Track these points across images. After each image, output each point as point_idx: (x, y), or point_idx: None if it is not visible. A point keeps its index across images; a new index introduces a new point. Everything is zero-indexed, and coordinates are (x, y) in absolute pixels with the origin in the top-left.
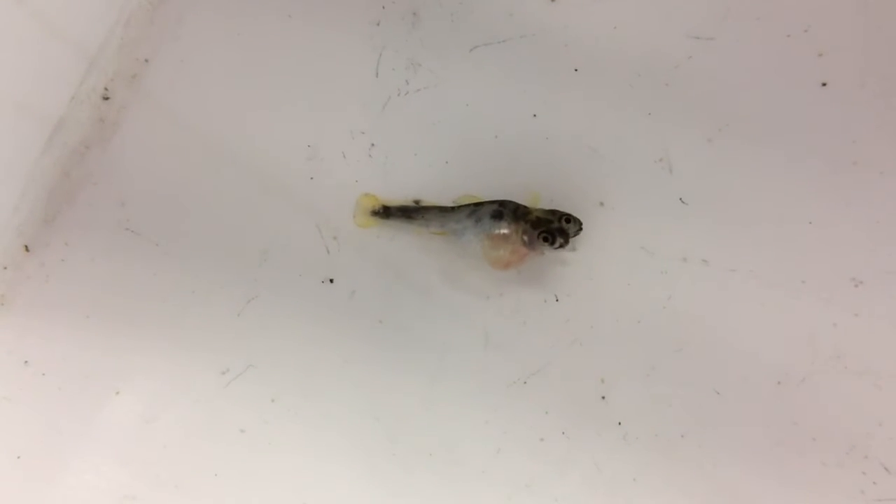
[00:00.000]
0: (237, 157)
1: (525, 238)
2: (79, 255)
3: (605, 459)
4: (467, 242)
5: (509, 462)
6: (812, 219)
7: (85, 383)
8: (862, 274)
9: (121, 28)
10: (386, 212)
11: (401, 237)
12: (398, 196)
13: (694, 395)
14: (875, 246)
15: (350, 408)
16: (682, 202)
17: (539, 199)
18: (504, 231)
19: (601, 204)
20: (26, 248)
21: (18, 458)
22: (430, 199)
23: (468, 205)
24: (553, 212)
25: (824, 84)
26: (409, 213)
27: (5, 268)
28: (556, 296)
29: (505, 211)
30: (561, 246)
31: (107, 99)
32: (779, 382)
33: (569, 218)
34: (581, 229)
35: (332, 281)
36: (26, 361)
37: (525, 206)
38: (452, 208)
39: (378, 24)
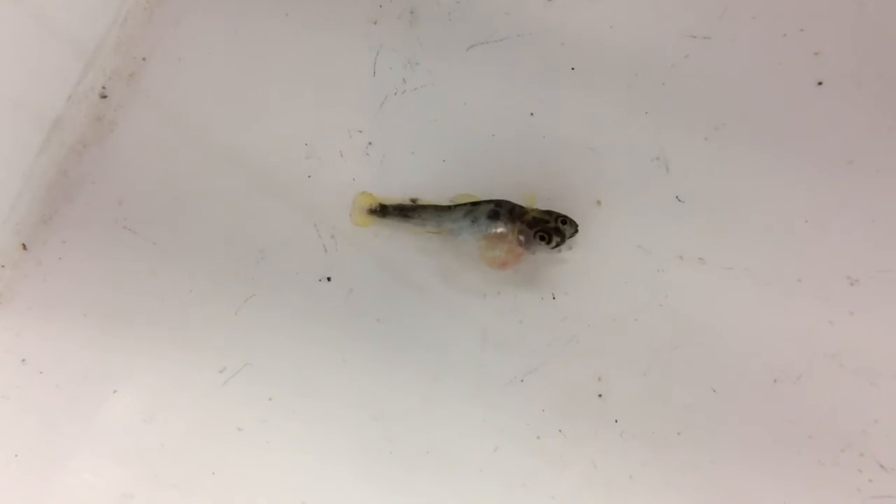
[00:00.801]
0: (235, 156)
1: (521, 238)
2: (76, 253)
3: (601, 457)
4: (464, 242)
5: (506, 460)
6: (808, 217)
7: (83, 382)
8: (858, 272)
9: (118, 27)
10: (383, 210)
11: (398, 236)
12: (395, 195)
13: (690, 393)
14: (871, 244)
15: (347, 406)
16: (679, 201)
17: (535, 198)
18: (500, 231)
19: (598, 203)
20: (24, 247)
21: (16, 456)
22: (427, 197)
23: (465, 204)
24: (549, 212)
25: (820, 83)
26: (406, 211)
27: (3, 266)
28: (552, 294)
29: (501, 211)
30: (557, 246)
31: (104, 97)
32: (775, 380)
33: (565, 220)
34: (577, 231)
35: (329, 279)
36: (24, 360)
37: (521, 206)
38: (449, 207)
39: (375, 23)
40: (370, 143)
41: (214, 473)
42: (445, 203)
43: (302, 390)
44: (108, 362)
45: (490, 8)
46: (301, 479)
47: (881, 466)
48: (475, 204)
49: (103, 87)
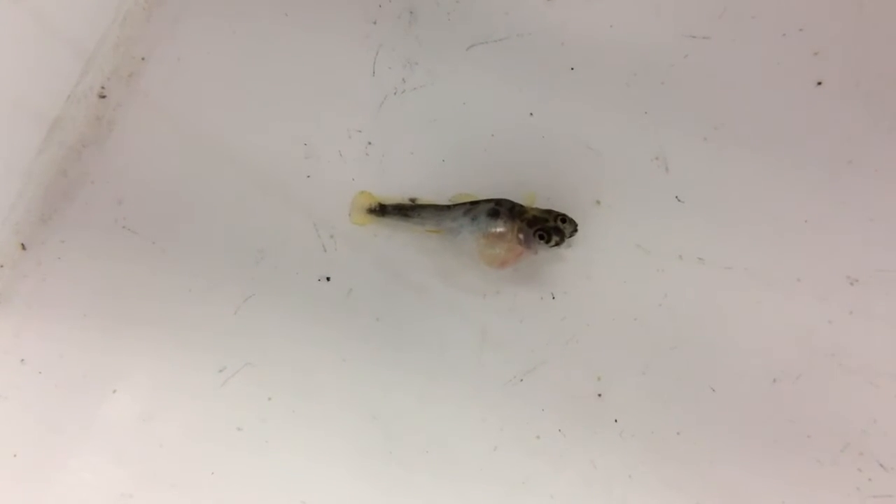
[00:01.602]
0: (234, 156)
1: (521, 236)
2: (75, 253)
3: (600, 457)
4: (463, 241)
5: (506, 460)
6: (807, 217)
7: (82, 382)
8: (857, 272)
9: (117, 26)
10: (382, 210)
11: (397, 236)
12: (395, 194)
13: (690, 392)
14: (870, 244)
15: (347, 406)
16: (678, 200)
17: (535, 198)
18: (500, 229)
19: (597, 202)
20: (23, 247)
21: (15, 456)
22: (426, 197)
23: (464, 203)
24: (549, 211)
25: (819, 83)
26: (405, 211)
27: (2, 266)
28: (552, 294)
29: (501, 209)
30: (557, 244)
31: (103, 97)
32: (774, 380)
33: (564, 218)
34: (576, 230)
35: (328, 279)
36: (23, 360)
37: (521, 205)
38: (448, 206)
39: (375, 23)
40: (369, 143)
41: (214, 473)
42: (444, 203)
43: (301, 390)
44: (107, 362)
45: (489, 8)
46: (300, 479)
47: (880, 466)
48: (475, 203)
49: (102, 87)
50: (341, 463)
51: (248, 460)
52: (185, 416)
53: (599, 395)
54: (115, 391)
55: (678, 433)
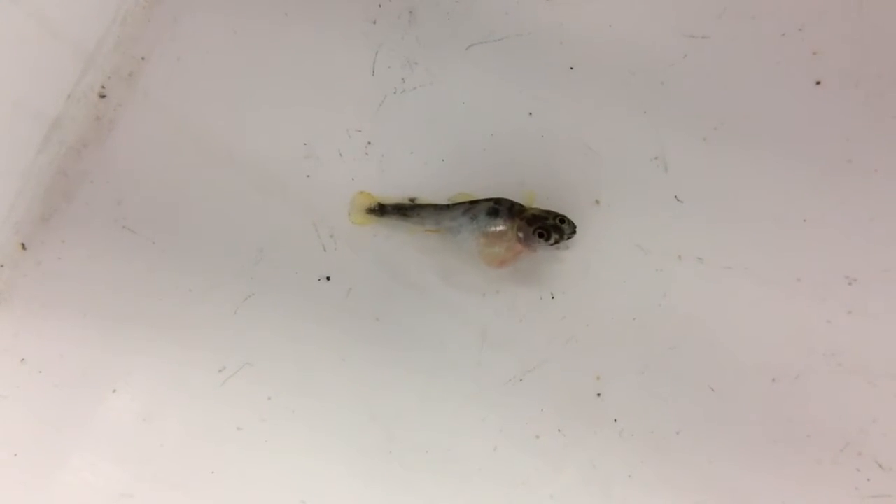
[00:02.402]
0: (234, 156)
1: (520, 235)
2: (75, 253)
3: (600, 456)
4: (463, 240)
5: (505, 459)
6: (807, 217)
7: (82, 381)
8: (856, 272)
9: (117, 26)
10: (382, 209)
11: (397, 235)
12: (394, 194)
13: (689, 392)
14: (869, 244)
15: (347, 405)
16: (678, 200)
17: (534, 198)
18: (500, 228)
19: (597, 202)
20: (23, 246)
21: (15, 455)
22: (426, 197)
23: (464, 202)
24: (548, 212)
25: (818, 83)
26: (404, 210)
27: (2, 266)
28: (552, 293)
29: (500, 208)
30: (556, 242)
31: (103, 97)
32: (773, 380)
33: (563, 219)
34: (575, 232)
35: (328, 279)
36: (23, 359)
37: (520, 204)
38: (448, 206)
39: (374, 23)
40: (369, 143)
41: (213, 473)
42: (444, 202)
43: (301, 390)
44: (107, 362)
45: (489, 8)
46: (300, 478)
47: (879, 465)
48: (474, 202)
49: (102, 87)
50: (341, 462)
51: (248, 460)
52: (185, 416)
53: (599, 394)
54: (114, 391)
55: (678, 433)
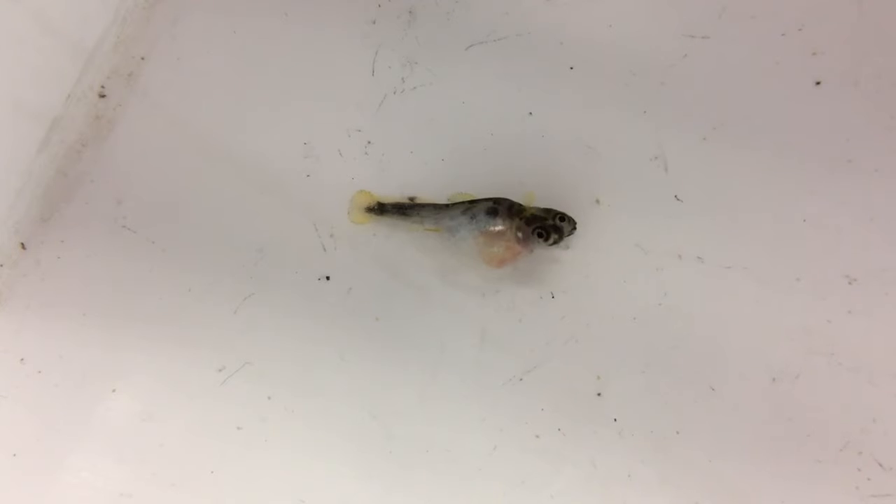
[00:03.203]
0: (233, 155)
1: (519, 234)
2: (75, 252)
3: (600, 456)
4: (462, 239)
5: (505, 459)
6: (806, 216)
7: (81, 381)
8: (856, 271)
9: (117, 26)
10: (381, 209)
11: (397, 235)
12: (394, 194)
13: (689, 391)
14: (869, 243)
15: (346, 405)
16: (678, 200)
17: (534, 197)
18: (499, 228)
19: (597, 202)
20: (22, 246)
21: (14, 455)
22: (425, 196)
23: (463, 202)
24: (548, 210)
25: (818, 83)
26: (404, 210)
27: (1, 265)
28: (551, 293)
29: (500, 208)
30: (555, 242)
31: (103, 97)
32: (773, 379)
33: (563, 217)
34: (575, 229)
35: (328, 278)
36: (22, 359)
37: (520, 204)
38: (447, 205)
39: (374, 23)
40: (369, 143)
41: (213, 472)
42: (443, 202)
43: (301, 389)
44: (106, 361)
45: (489, 8)
46: (300, 478)
47: (879, 465)
48: (473, 201)
49: (102, 87)
50: (341, 462)
51: (248, 459)
52: (185, 416)
53: (599, 394)
54: (114, 390)
55: (678, 432)
